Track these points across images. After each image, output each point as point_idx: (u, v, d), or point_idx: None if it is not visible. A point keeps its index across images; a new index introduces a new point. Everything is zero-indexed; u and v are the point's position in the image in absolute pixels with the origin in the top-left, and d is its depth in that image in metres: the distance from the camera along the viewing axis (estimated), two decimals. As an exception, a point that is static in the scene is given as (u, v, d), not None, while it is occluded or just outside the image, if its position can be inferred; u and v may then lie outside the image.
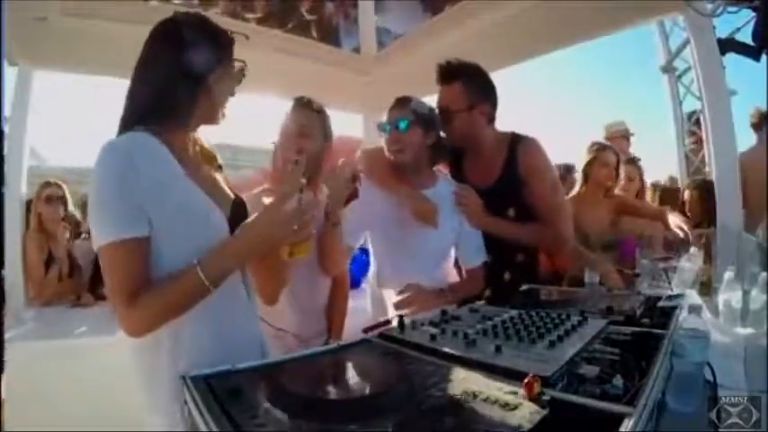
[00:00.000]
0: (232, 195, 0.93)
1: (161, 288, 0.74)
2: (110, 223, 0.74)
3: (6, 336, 1.50)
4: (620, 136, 2.88)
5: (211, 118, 0.90)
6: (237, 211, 0.89)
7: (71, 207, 2.47)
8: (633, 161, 2.43)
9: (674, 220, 1.98)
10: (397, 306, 1.32)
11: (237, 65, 0.90)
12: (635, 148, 3.02)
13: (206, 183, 0.86)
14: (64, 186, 2.41)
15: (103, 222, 0.74)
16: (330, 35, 3.13)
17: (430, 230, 1.36)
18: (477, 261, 1.46)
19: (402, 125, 1.37)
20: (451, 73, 1.44)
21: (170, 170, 0.79)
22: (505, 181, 1.46)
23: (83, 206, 2.72)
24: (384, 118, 1.42)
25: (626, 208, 2.22)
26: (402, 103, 1.40)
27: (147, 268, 0.75)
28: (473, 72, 1.46)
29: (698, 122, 2.61)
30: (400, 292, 1.33)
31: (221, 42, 0.86)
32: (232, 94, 0.91)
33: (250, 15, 2.76)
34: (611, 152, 2.19)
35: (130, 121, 0.81)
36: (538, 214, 1.47)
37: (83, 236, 2.61)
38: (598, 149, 2.18)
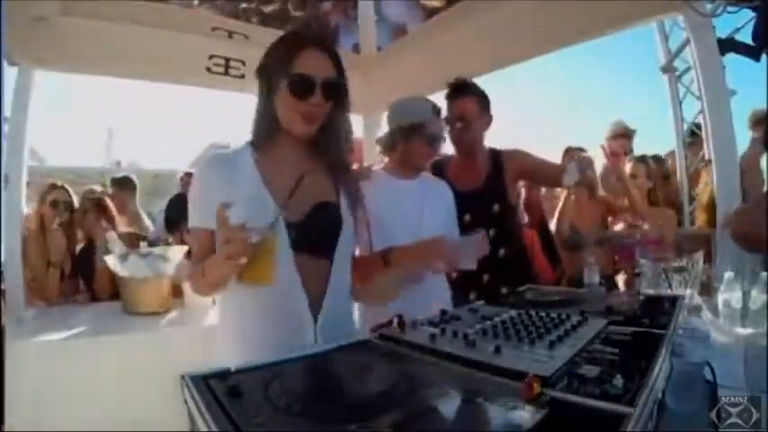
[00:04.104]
0: (320, 201, 1.01)
1: (201, 267, 0.93)
2: (191, 214, 0.98)
3: (6, 336, 1.50)
4: (621, 134, 2.89)
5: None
6: (315, 214, 0.99)
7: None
8: (643, 159, 2.43)
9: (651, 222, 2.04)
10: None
11: None
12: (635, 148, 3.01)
13: (282, 188, 0.97)
14: (70, 189, 2.41)
15: (190, 212, 0.99)
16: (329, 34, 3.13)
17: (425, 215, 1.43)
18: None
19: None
20: (465, 88, 1.68)
21: (245, 174, 0.97)
22: (492, 182, 1.69)
23: (80, 206, 2.72)
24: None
25: (612, 208, 2.35)
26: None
27: (210, 249, 0.92)
28: (477, 88, 1.71)
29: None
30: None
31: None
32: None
33: (264, 8, 2.77)
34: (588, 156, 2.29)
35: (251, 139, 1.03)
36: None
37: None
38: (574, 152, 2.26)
